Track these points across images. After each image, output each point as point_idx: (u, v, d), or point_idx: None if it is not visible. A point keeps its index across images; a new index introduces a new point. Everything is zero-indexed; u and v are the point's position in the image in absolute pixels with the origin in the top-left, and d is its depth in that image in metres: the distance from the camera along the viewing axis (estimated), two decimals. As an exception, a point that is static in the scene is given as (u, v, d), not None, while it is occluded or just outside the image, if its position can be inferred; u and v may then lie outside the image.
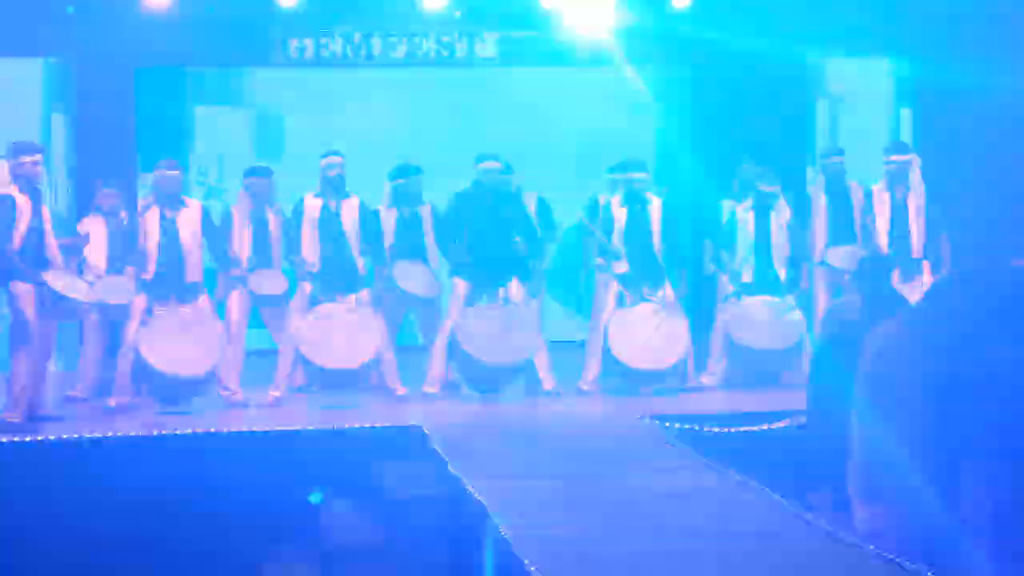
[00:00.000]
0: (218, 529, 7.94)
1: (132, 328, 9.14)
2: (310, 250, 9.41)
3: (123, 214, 10.08)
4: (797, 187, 11.92)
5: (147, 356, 8.95)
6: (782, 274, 9.97)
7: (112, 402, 9.16)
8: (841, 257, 10.39)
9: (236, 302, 9.97)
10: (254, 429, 8.51)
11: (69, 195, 11.89)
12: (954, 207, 10.36)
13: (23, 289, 8.52)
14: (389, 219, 9.94)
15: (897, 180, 10.27)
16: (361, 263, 9.56)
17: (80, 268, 9.91)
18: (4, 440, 8.20)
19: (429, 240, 9.95)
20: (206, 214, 9.44)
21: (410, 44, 13.00)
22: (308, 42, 12.90)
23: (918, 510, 5.37)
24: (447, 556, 6.75)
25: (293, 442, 8.34)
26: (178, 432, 8.31)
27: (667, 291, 9.78)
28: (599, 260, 10.01)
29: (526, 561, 5.13)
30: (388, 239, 9.87)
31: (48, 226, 8.76)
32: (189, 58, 12.94)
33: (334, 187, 9.47)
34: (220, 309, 9.87)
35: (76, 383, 9.90)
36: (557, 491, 6.55)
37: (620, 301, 9.69)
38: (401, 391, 9.44)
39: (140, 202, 9.40)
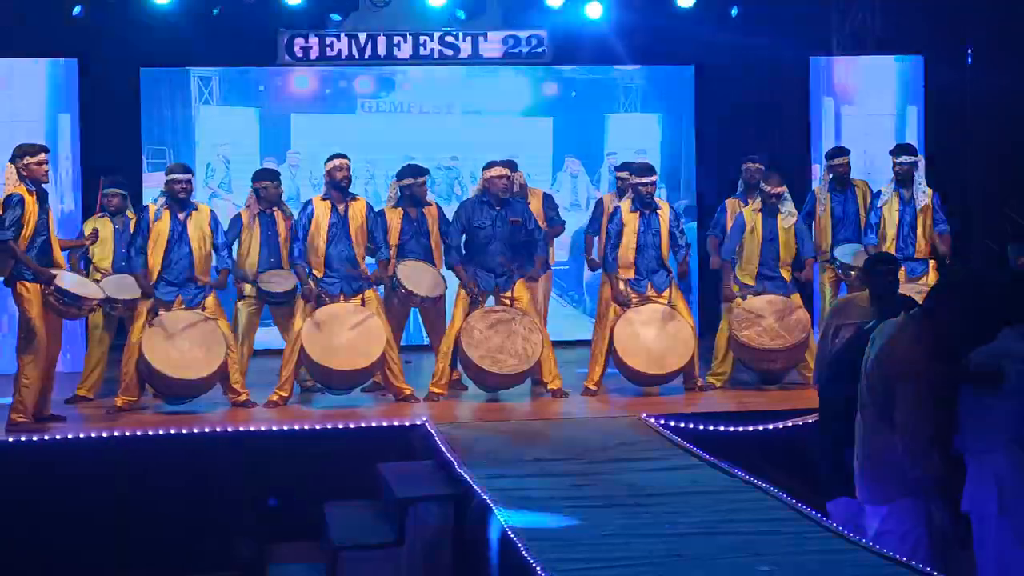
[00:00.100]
0: (224, 528, 7.96)
1: (137, 328, 9.15)
2: (316, 251, 9.41)
3: (129, 214, 10.10)
4: (802, 186, 11.94)
5: (151, 358, 8.95)
6: (787, 274, 9.97)
7: (118, 402, 9.17)
8: (847, 255, 10.40)
9: (245, 304, 10.00)
10: (260, 429, 8.52)
11: (74, 195, 11.89)
12: (960, 206, 10.35)
13: (30, 289, 8.54)
14: (395, 220, 9.95)
15: (904, 181, 10.28)
16: (366, 264, 9.56)
17: (86, 268, 9.94)
18: (12, 440, 8.21)
19: (435, 241, 9.95)
20: (215, 218, 9.45)
21: (415, 43, 13.03)
22: (313, 41, 12.93)
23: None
24: (453, 555, 6.76)
25: (299, 442, 8.35)
26: (184, 432, 8.31)
27: (674, 294, 9.78)
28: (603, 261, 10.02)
29: (532, 560, 5.14)
30: (394, 240, 9.88)
31: (53, 227, 8.78)
32: (194, 58, 12.98)
33: (341, 190, 9.47)
34: (230, 310, 9.90)
35: (82, 383, 9.90)
36: (563, 490, 6.55)
37: (624, 302, 9.68)
38: (407, 391, 9.45)
39: (152, 206, 9.37)
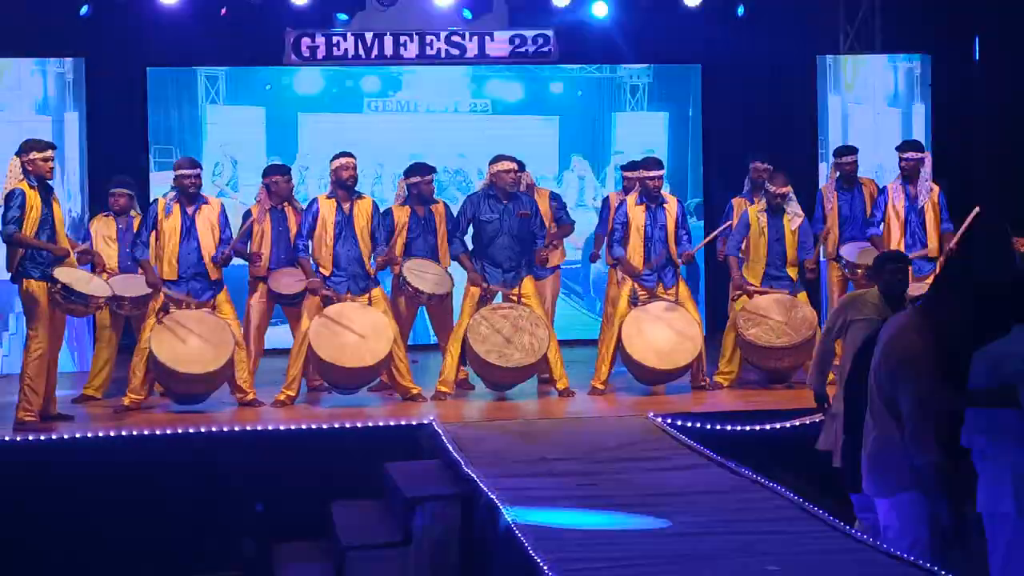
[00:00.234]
0: (230, 527, 7.97)
1: (148, 326, 9.16)
2: (323, 251, 9.40)
3: (134, 213, 10.10)
4: (810, 184, 11.94)
5: (157, 352, 8.96)
6: (793, 273, 9.96)
7: (126, 401, 9.17)
8: (852, 254, 10.39)
9: (256, 301, 10.00)
10: (267, 428, 8.53)
11: (81, 193, 11.91)
12: (966, 204, 10.33)
13: (36, 287, 8.54)
14: (402, 217, 9.95)
15: (910, 177, 10.28)
16: (373, 263, 9.56)
17: (91, 267, 9.94)
18: (20, 439, 8.22)
19: (442, 239, 9.95)
20: (225, 212, 9.44)
21: (422, 43, 13.03)
22: (320, 41, 12.93)
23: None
24: (460, 554, 6.76)
25: (306, 441, 8.35)
26: (191, 431, 8.32)
27: (680, 290, 9.77)
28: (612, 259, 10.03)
29: (539, 559, 5.14)
30: (401, 238, 9.88)
31: (60, 223, 8.78)
32: (201, 57, 13.00)
33: (347, 188, 9.46)
34: (242, 305, 9.90)
35: (90, 383, 9.91)
36: (569, 489, 6.56)
37: (633, 300, 9.68)
38: (414, 391, 9.45)
39: (161, 201, 9.37)
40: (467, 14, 13.09)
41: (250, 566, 7.92)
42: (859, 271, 10.22)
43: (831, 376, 7.41)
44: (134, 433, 8.29)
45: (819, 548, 5.38)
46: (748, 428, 8.36)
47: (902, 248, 9.97)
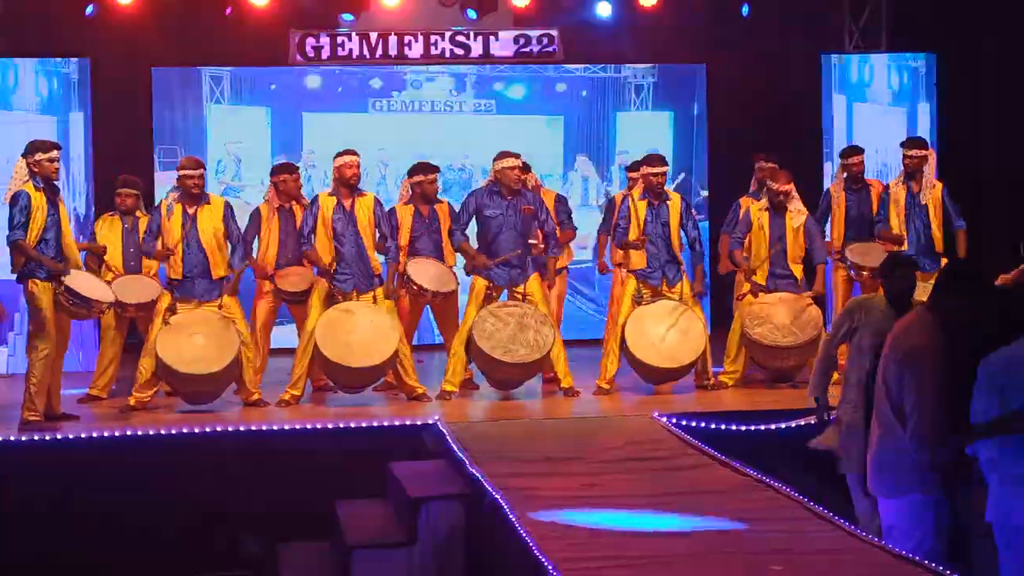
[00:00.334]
0: (235, 526, 7.97)
1: (155, 327, 9.16)
2: (325, 249, 9.40)
3: (139, 213, 10.10)
4: (815, 183, 11.93)
5: (162, 354, 8.97)
6: (798, 271, 9.95)
7: (131, 400, 9.18)
8: (858, 255, 10.38)
9: (263, 301, 10.00)
10: (272, 428, 8.53)
11: (86, 194, 11.93)
12: (972, 203, 10.33)
13: (41, 287, 8.55)
14: (406, 217, 9.95)
15: (913, 174, 10.27)
16: (377, 261, 9.55)
17: (99, 267, 9.95)
18: (25, 439, 8.23)
19: (446, 238, 9.94)
20: (229, 211, 9.43)
21: (426, 43, 13.03)
22: (325, 41, 12.94)
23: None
24: (465, 554, 6.76)
25: (311, 440, 8.35)
26: (196, 431, 8.32)
27: (684, 289, 9.77)
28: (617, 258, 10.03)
29: (544, 559, 5.14)
30: (405, 237, 9.88)
31: (65, 224, 8.79)
32: (206, 57, 13.01)
33: (349, 187, 9.45)
34: (248, 306, 9.90)
35: (95, 383, 9.92)
36: (574, 489, 6.55)
37: (638, 298, 9.67)
38: (419, 390, 9.45)
39: (164, 202, 9.38)
40: (472, 14, 13.10)
41: (255, 565, 7.92)
42: (864, 272, 10.21)
43: (835, 376, 7.39)
44: (139, 433, 8.31)
45: (823, 548, 5.38)
46: (753, 428, 8.36)
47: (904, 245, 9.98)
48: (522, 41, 13.13)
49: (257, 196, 12.23)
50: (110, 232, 10.02)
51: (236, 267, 9.37)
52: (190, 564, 7.90)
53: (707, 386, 9.77)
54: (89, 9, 12.36)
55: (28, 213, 8.48)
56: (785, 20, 12.99)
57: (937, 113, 12.74)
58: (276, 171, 10.19)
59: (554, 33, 13.11)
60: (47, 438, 8.20)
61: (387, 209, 9.89)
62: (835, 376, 7.40)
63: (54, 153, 8.66)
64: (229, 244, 9.37)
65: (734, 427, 8.33)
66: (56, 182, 8.76)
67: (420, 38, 13.07)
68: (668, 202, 9.79)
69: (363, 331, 9.19)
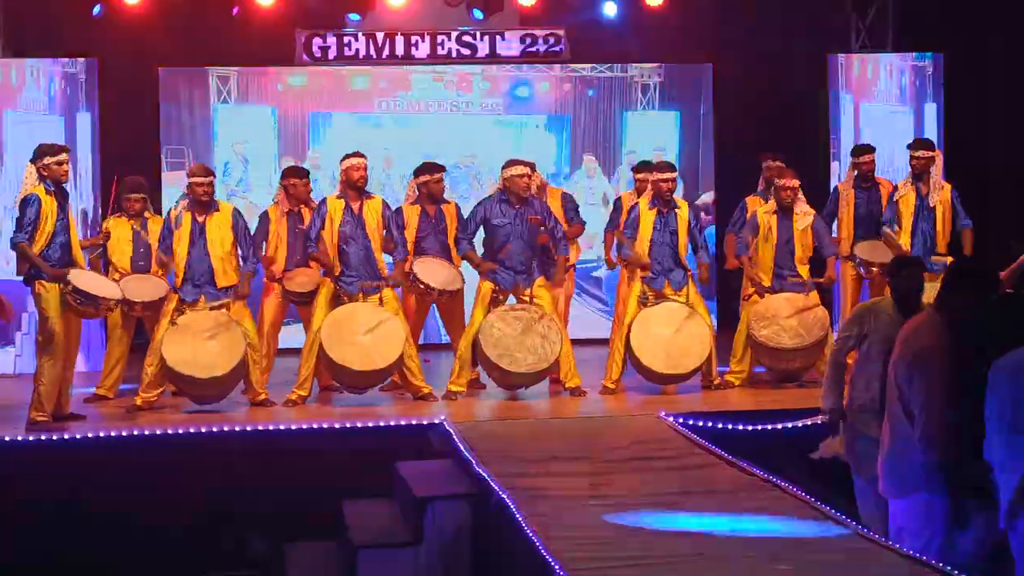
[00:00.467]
0: (241, 526, 7.98)
1: (162, 327, 9.17)
2: (331, 251, 9.40)
3: (147, 214, 10.11)
4: (821, 183, 11.92)
5: (168, 356, 8.98)
6: (804, 272, 9.94)
7: (138, 400, 9.18)
8: (866, 252, 10.37)
9: (270, 301, 10.01)
10: (278, 427, 8.53)
11: (93, 194, 11.94)
12: (978, 204, 10.32)
13: (48, 288, 8.56)
14: (413, 217, 9.95)
15: (921, 175, 10.26)
16: (383, 263, 9.56)
17: (105, 269, 9.96)
18: (32, 439, 8.24)
19: (452, 238, 9.94)
20: (238, 216, 9.43)
21: (433, 43, 13.04)
22: (331, 41, 12.95)
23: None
24: (471, 553, 6.76)
25: (317, 440, 8.35)
26: (202, 431, 8.33)
27: (690, 292, 9.76)
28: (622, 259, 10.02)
29: (550, 558, 5.14)
30: (411, 237, 9.88)
31: (73, 226, 8.80)
32: (213, 57, 13.02)
33: (357, 189, 9.45)
34: (256, 308, 9.91)
35: (102, 383, 9.93)
36: (581, 489, 6.55)
37: (643, 300, 9.67)
38: (425, 390, 9.45)
39: (173, 211, 9.39)
40: (478, 14, 13.10)
41: (262, 565, 7.93)
42: (874, 269, 10.22)
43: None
44: (146, 433, 8.31)
45: (830, 548, 5.37)
46: (759, 427, 8.35)
47: (909, 246, 9.97)
48: (528, 41, 13.13)
49: (263, 196, 12.25)
50: (118, 233, 10.02)
51: (247, 271, 9.37)
52: (197, 564, 7.91)
53: (713, 386, 9.77)
54: (96, 9, 12.37)
55: (38, 218, 8.49)
56: (791, 20, 12.98)
57: (944, 113, 12.72)
58: (286, 174, 10.20)
59: (560, 33, 13.12)
60: (54, 438, 8.21)
61: (394, 209, 9.89)
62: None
63: (62, 156, 8.66)
64: (239, 252, 9.37)
65: (740, 427, 8.33)
66: (65, 185, 8.77)
67: (426, 38, 13.09)
68: (676, 210, 9.79)
69: (369, 333, 9.18)
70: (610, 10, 13.02)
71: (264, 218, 10.06)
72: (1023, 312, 5.30)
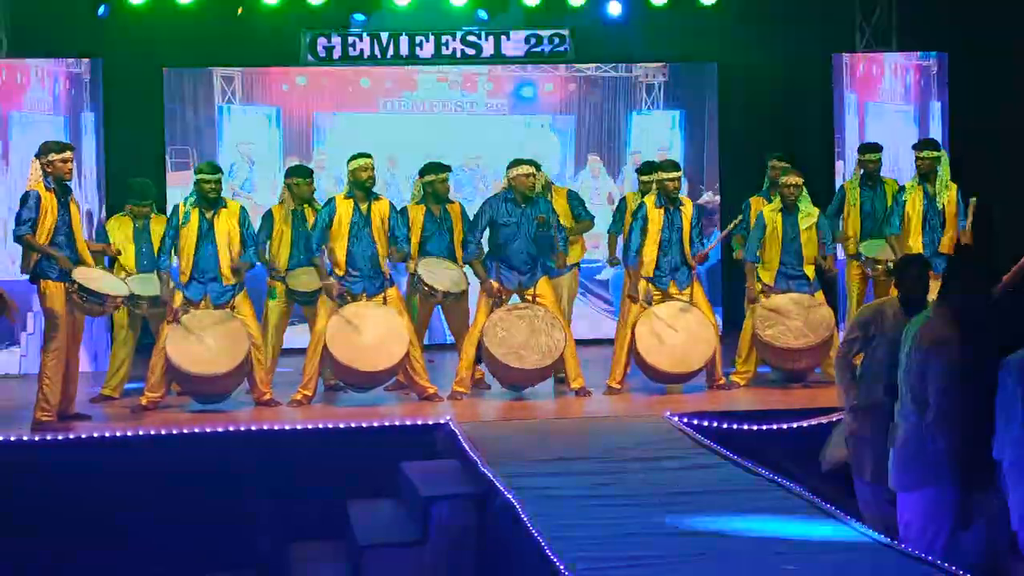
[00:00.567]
0: (247, 525, 7.98)
1: (166, 326, 9.18)
2: (338, 250, 9.40)
3: (152, 215, 10.10)
4: (826, 182, 11.91)
5: (171, 354, 8.98)
6: (810, 272, 9.93)
7: (143, 400, 9.19)
8: (871, 250, 10.36)
9: (275, 303, 10.00)
10: (283, 427, 8.53)
11: (98, 193, 11.95)
12: (984, 202, 10.30)
13: (53, 287, 8.57)
14: (418, 217, 9.95)
15: (926, 176, 10.25)
16: (388, 263, 9.55)
17: (110, 267, 9.96)
18: (38, 439, 8.25)
19: (457, 238, 9.93)
20: (244, 215, 9.44)
21: (437, 43, 13.05)
22: (336, 41, 12.96)
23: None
24: (477, 554, 6.76)
25: (322, 440, 8.35)
26: (207, 430, 8.33)
27: (695, 291, 9.76)
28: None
29: (555, 558, 5.14)
30: (416, 237, 9.88)
31: (77, 225, 8.80)
32: (217, 58, 13.03)
33: (364, 190, 9.45)
34: (260, 308, 9.90)
35: (107, 383, 9.94)
36: (586, 489, 6.55)
37: (647, 300, 9.67)
38: (430, 390, 9.45)
39: (181, 207, 9.38)
40: (483, 14, 13.10)
41: (267, 565, 7.93)
42: (879, 267, 10.20)
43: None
44: (151, 432, 8.31)
45: (836, 548, 5.37)
46: (765, 427, 8.34)
47: (919, 248, 9.94)
48: (533, 41, 13.14)
49: (268, 197, 12.25)
50: (121, 233, 10.03)
51: (245, 260, 9.35)
52: (203, 563, 7.91)
53: (719, 386, 9.76)
54: (101, 9, 12.38)
55: (36, 212, 8.48)
56: (796, 19, 12.97)
57: (948, 112, 12.71)
58: (290, 173, 10.20)
59: (565, 33, 13.11)
60: (59, 438, 8.21)
61: (399, 209, 9.89)
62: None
63: (67, 154, 8.67)
64: (242, 246, 9.37)
65: (746, 427, 8.32)
66: (68, 182, 8.76)
67: (431, 38, 13.09)
68: (681, 208, 9.79)
69: (373, 333, 9.19)
70: (614, 10, 13.02)
71: (268, 217, 10.06)
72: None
